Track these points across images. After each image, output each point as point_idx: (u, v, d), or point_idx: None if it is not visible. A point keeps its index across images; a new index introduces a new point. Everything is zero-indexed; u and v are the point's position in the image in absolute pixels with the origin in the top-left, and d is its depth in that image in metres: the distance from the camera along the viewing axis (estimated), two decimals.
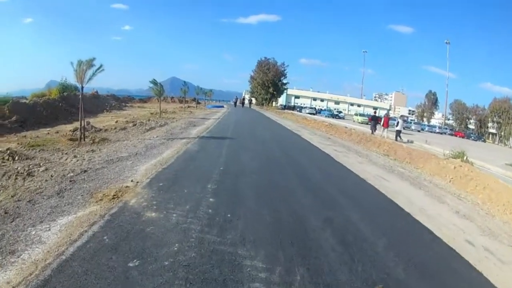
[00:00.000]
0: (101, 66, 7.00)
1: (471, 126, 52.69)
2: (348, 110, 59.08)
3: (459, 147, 9.03)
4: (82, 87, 7.19)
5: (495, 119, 47.51)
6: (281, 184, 4.71)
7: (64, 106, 13.75)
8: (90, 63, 6.88)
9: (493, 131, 48.83)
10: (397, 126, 15.14)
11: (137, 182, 4.15)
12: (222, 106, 33.29)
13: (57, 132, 8.80)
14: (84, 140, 6.94)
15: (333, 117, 36.97)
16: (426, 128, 41.61)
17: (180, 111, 19.57)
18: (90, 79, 6.93)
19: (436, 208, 4.63)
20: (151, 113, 14.01)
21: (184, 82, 22.96)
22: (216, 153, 6.67)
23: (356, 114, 36.03)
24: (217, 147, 7.46)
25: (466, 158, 8.29)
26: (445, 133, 40.37)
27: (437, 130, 42.15)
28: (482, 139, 43.68)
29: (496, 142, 45.04)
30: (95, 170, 4.66)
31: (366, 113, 39.93)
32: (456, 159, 8.20)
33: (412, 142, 16.36)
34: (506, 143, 43.11)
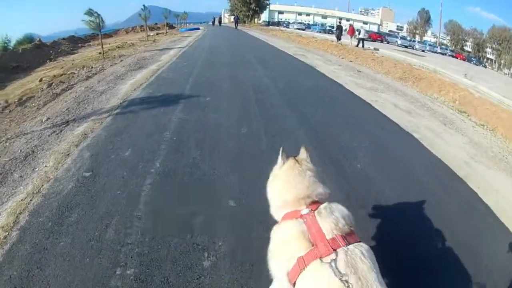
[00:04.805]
0: None
1: (467, 49, 51.00)
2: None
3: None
4: None
5: (494, 46, 46.66)
6: None
7: None
8: None
9: (491, 57, 48.52)
10: (359, 34, 16.83)
11: None
12: (198, 28, 27.27)
13: None
14: None
15: (325, 33, 32.72)
16: (427, 48, 38.08)
17: (141, 41, 14.45)
18: None
19: None
20: (100, 53, 9.84)
21: (144, 5, 17.58)
22: (134, 194, 2.22)
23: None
24: (146, 148, 2.95)
25: None
26: (446, 54, 37.55)
27: (439, 50, 38.99)
28: (483, 65, 42.15)
29: (496, 69, 44.62)
30: None
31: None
32: None
33: (378, 49, 16.04)
34: (506, 72, 42.97)
